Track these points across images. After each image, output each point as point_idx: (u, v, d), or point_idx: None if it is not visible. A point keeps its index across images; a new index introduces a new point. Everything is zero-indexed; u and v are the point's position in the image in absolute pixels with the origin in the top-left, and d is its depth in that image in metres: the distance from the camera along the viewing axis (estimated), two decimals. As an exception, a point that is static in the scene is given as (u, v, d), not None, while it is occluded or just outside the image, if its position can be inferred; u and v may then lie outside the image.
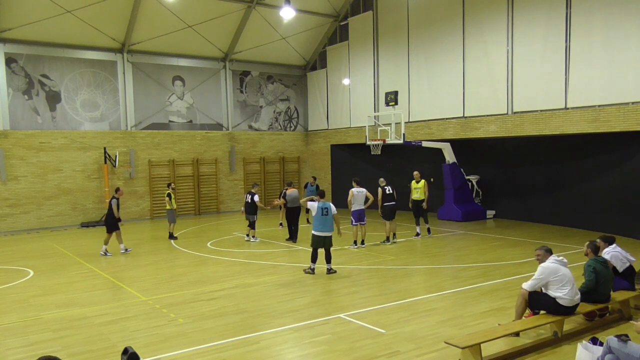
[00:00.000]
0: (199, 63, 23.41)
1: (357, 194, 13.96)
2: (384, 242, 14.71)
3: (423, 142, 19.10)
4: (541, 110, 15.96)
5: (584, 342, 6.07)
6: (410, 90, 20.49)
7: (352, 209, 13.98)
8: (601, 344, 5.85)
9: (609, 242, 8.23)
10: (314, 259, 11.16)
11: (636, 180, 14.77)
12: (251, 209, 15.32)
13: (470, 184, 20.03)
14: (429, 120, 19.83)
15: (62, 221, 20.20)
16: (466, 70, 18.28)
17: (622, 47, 13.84)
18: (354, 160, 24.63)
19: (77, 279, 11.41)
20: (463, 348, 5.98)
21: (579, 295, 7.00)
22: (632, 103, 13.70)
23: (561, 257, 7.08)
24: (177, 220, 17.02)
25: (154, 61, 22.24)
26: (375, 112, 21.56)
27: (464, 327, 7.52)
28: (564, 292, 6.85)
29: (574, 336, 7.02)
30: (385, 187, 14.64)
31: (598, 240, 8.24)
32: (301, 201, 11.70)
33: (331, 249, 11.33)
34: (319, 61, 25.87)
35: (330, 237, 11.19)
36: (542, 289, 7.06)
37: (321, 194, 11.65)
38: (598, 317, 7.61)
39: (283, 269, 11.86)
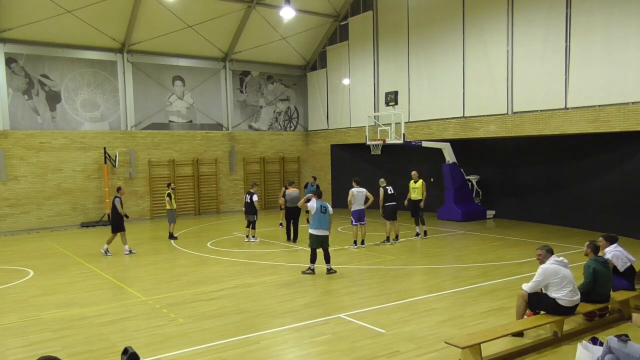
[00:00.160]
0: (199, 63, 23.41)
1: (357, 194, 13.96)
2: (383, 242, 14.70)
3: (423, 142, 19.10)
4: (541, 110, 15.96)
5: (584, 342, 6.07)
6: (410, 90, 20.49)
7: (352, 209, 13.98)
8: (601, 344, 5.85)
9: (612, 241, 8.22)
10: (313, 259, 11.16)
11: (636, 180, 14.77)
12: (251, 209, 15.32)
13: (470, 184, 20.04)
14: (429, 120, 19.83)
15: (62, 221, 20.20)
16: (466, 70, 18.28)
17: (622, 47, 13.84)
18: (354, 160, 24.63)
19: (77, 279, 11.41)
20: (463, 348, 5.98)
21: (579, 296, 7.00)
22: (632, 103, 13.70)
23: (561, 258, 7.07)
24: (177, 220, 17.03)
25: (154, 61, 22.24)
26: (375, 112, 21.57)
27: (464, 327, 7.52)
28: (563, 293, 6.84)
29: (574, 336, 7.02)
30: (387, 187, 14.64)
31: (600, 238, 8.25)
32: (299, 204, 11.68)
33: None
34: (319, 61, 25.87)
35: (328, 236, 11.21)
36: (542, 289, 7.06)
37: (319, 194, 11.63)
38: (598, 317, 7.61)
39: (283, 269, 11.86)
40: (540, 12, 15.83)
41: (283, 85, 26.10)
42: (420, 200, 15.35)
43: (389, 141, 18.65)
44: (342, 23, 24.18)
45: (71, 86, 20.46)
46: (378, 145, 18.92)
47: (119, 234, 13.98)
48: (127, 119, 21.62)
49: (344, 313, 8.30)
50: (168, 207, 16.28)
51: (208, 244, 15.40)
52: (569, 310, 6.92)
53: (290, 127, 26.42)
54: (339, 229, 18.01)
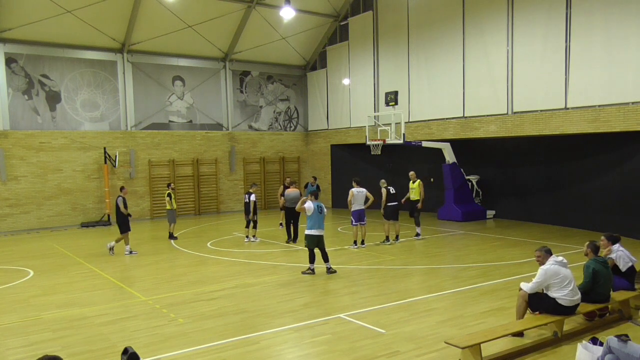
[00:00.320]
0: (199, 63, 23.41)
1: (357, 194, 13.96)
2: (383, 242, 14.70)
3: (423, 142, 19.10)
4: (541, 110, 15.96)
5: (584, 342, 6.07)
6: (410, 90, 20.49)
7: (352, 209, 13.98)
8: (601, 344, 5.85)
9: (614, 240, 8.21)
10: (312, 259, 11.17)
11: (636, 180, 14.77)
12: (249, 209, 15.30)
13: (470, 184, 20.04)
14: (429, 120, 19.83)
15: (62, 221, 20.20)
16: (466, 70, 18.28)
17: (622, 47, 13.84)
18: (354, 160, 24.63)
19: (77, 279, 11.41)
20: (463, 348, 5.98)
21: (579, 295, 7.00)
22: (632, 103, 13.70)
23: (561, 258, 7.07)
24: (177, 220, 17.03)
25: (154, 61, 22.24)
26: (375, 112, 21.57)
27: (464, 327, 7.52)
28: (564, 293, 6.84)
29: (574, 336, 7.02)
30: (389, 188, 14.65)
31: (602, 237, 8.25)
32: (297, 208, 11.67)
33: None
34: (319, 61, 25.87)
35: (323, 236, 11.25)
36: (543, 289, 7.06)
37: (315, 194, 11.62)
38: (598, 317, 7.60)
39: (283, 269, 11.86)
40: (540, 12, 15.83)
41: (283, 85, 26.11)
42: (418, 200, 15.33)
43: (389, 141, 18.65)
44: (342, 23, 24.18)
45: (71, 86, 20.46)
46: (378, 145, 18.92)
47: (124, 232, 13.95)
48: (127, 119, 21.62)
49: (344, 313, 8.30)
50: (168, 207, 16.28)
51: (208, 244, 15.40)
52: (570, 310, 6.92)
53: (290, 127, 26.42)
54: (339, 229, 18.02)
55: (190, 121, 23.34)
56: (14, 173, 19.33)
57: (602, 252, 8.00)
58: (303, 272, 11.21)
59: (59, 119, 20.27)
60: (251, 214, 15.21)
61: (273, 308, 8.74)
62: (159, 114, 22.44)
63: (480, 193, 20.28)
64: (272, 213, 22.70)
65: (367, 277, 10.94)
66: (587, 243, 7.60)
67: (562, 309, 6.87)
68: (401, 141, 18.28)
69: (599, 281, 7.27)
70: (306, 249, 11.30)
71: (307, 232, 11.15)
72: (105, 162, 20.57)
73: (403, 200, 15.43)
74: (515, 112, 16.74)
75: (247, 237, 15.64)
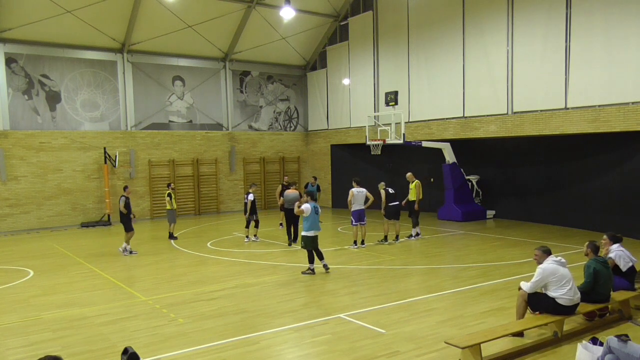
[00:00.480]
0: (199, 63, 23.41)
1: (357, 194, 13.96)
2: (381, 241, 14.70)
3: (423, 142, 19.10)
4: (541, 110, 15.96)
5: (584, 342, 6.07)
6: (410, 90, 20.49)
7: (352, 209, 13.97)
8: (601, 344, 5.85)
9: (615, 240, 8.21)
10: (311, 259, 11.19)
11: (636, 180, 14.77)
12: (248, 209, 15.31)
13: (470, 184, 20.03)
14: (429, 120, 19.83)
15: (62, 221, 20.20)
16: (466, 70, 18.28)
17: (622, 47, 13.84)
18: (354, 160, 24.63)
19: (77, 279, 11.41)
20: (463, 348, 5.98)
21: (578, 295, 7.00)
22: (632, 103, 13.70)
23: (559, 257, 7.08)
24: (177, 220, 17.03)
25: (154, 61, 22.24)
26: (375, 112, 21.57)
27: (464, 327, 7.52)
28: (562, 292, 6.85)
29: (574, 336, 7.02)
30: (387, 188, 14.66)
31: (604, 236, 8.25)
32: (295, 212, 11.66)
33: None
34: (319, 61, 25.87)
35: (318, 236, 11.34)
36: (542, 289, 7.06)
37: (311, 195, 11.62)
38: (598, 317, 7.60)
39: (283, 269, 11.86)
40: (540, 12, 15.83)
41: (283, 85, 26.10)
42: (415, 201, 15.26)
43: (389, 141, 18.65)
44: (342, 23, 24.18)
45: (71, 86, 20.46)
46: (378, 145, 18.92)
47: (128, 232, 13.95)
48: (127, 119, 21.62)
49: (344, 313, 8.30)
50: (168, 207, 16.28)
51: (208, 244, 15.40)
52: (569, 310, 6.92)
53: (290, 127, 26.42)
54: (339, 229, 18.02)
55: (190, 121, 23.34)
56: (14, 173, 19.33)
57: (602, 252, 8.00)
58: (303, 272, 11.21)
59: (59, 119, 20.27)
60: (248, 213, 15.20)
61: (273, 308, 8.74)
62: (159, 114, 22.44)
63: (480, 193, 20.28)
64: (272, 213, 22.70)
65: (367, 277, 10.94)
66: (587, 243, 7.61)
67: (562, 308, 6.88)
68: (401, 141, 18.28)
69: (600, 281, 7.27)
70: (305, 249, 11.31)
71: (305, 233, 11.17)
72: (105, 162, 20.57)
73: (404, 202, 15.39)
74: (515, 112, 16.74)
75: (247, 237, 15.64)
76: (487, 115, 17.55)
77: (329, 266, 11.31)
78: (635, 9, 13.52)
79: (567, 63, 15.17)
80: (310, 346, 7.01)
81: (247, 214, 15.21)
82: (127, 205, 13.92)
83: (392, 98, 18.59)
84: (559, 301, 6.86)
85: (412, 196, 15.27)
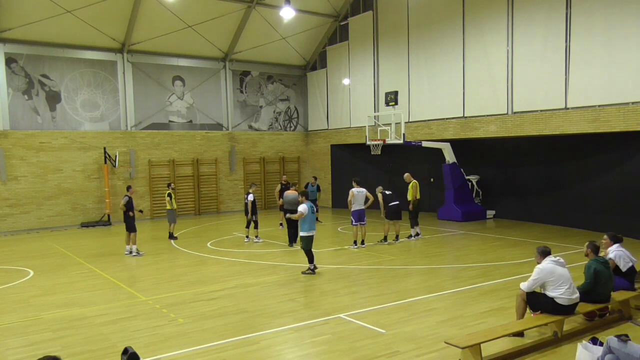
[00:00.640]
0: (199, 63, 23.41)
1: (357, 194, 13.96)
2: (381, 241, 14.70)
3: (423, 142, 19.10)
4: (541, 110, 15.96)
5: (584, 342, 6.07)
6: (410, 90, 20.49)
7: (352, 209, 13.97)
8: (601, 344, 5.85)
9: (615, 240, 8.20)
10: (311, 259, 11.19)
11: (636, 180, 14.77)
12: (248, 209, 15.30)
13: (470, 184, 20.03)
14: (429, 120, 19.83)
15: (62, 221, 20.20)
16: (466, 70, 18.28)
17: (622, 47, 13.84)
18: (354, 160, 24.63)
19: (77, 279, 11.41)
20: (463, 348, 5.98)
21: (577, 294, 7.00)
22: (632, 103, 13.70)
23: (557, 258, 7.09)
24: (177, 220, 17.03)
25: (154, 61, 22.24)
26: (375, 112, 21.56)
27: (464, 327, 7.52)
28: (561, 292, 6.85)
29: (574, 336, 7.02)
30: (384, 191, 14.68)
31: (605, 236, 8.25)
32: (295, 217, 11.61)
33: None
34: (319, 61, 25.87)
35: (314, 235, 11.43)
36: (541, 289, 7.07)
37: (305, 195, 11.61)
38: (598, 317, 7.61)
39: (283, 269, 11.86)
40: (540, 12, 15.83)
41: (283, 85, 26.10)
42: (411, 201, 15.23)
43: (389, 141, 18.65)
44: (342, 23, 24.18)
45: (71, 86, 20.46)
46: (378, 145, 18.91)
47: (131, 234, 13.90)
48: (127, 119, 21.62)
49: (344, 313, 8.30)
50: (168, 207, 16.28)
51: (208, 244, 15.40)
52: (569, 309, 6.93)
53: (290, 127, 26.42)
54: (339, 229, 18.02)
55: (190, 121, 23.33)
56: (14, 173, 19.33)
57: (602, 252, 8.00)
58: (303, 272, 11.21)
59: (59, 119, 20.27)
60: (249, 214, 15.20)
61: (273, 308, 8.74)
62: (159, 114, 22.44)
63: (480, 193, 20.28)
64: (272, 213, 22.70)
65: (367, 277, 10.94)
66: (587, 243, 7.61)
67: (561, 308, 6.88)
68: (401, 141, 18.27)
69: (600, 281, 7.27)
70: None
71: (303, 234, 11.18)
72: (105, 162, 20.57)
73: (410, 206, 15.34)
74: (515, 112, 16.74)
75: (247, 237, 15.64)
76: (487, 115, 17.55)
77: (319, 267, 11.36)
78: (635, 9, 13.52)
79: (567, 63, 15.16)
80: (310, 346, 7.01)
81: (250, 214, 15.20)
82: (129, 204, 13.90)
83: (392, 98, 18.59)
84: (557, 301, 6.86)
85: (409, 196, 15.26)
